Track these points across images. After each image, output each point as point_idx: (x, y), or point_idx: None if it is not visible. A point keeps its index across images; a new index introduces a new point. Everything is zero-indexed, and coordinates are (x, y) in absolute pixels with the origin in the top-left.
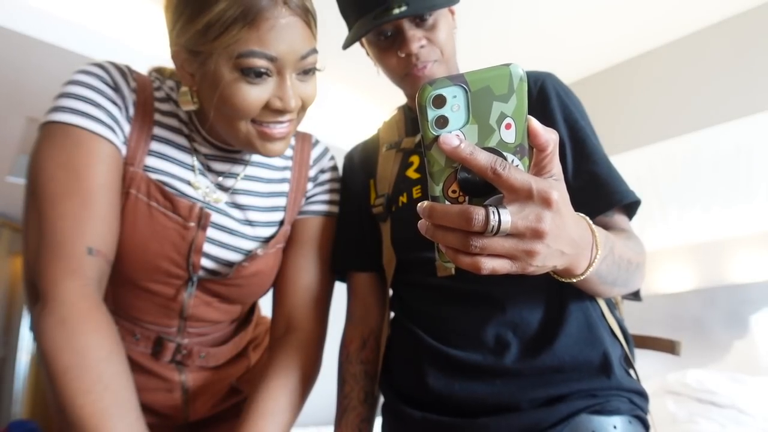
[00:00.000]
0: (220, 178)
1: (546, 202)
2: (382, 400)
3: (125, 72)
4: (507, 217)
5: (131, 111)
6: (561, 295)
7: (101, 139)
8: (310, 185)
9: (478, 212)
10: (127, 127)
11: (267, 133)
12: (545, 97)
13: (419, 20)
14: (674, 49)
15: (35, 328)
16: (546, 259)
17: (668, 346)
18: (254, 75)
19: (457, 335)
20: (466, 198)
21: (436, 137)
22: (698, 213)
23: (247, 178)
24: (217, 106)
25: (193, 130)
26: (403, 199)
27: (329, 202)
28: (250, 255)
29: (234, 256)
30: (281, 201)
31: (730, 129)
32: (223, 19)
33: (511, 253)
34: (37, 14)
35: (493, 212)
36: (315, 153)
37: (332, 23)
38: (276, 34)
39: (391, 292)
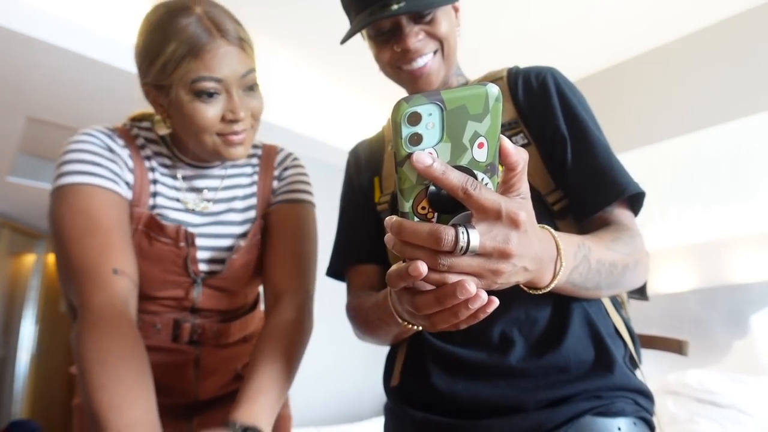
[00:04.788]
0: (204, 191)
1: (514, 222)
2: (384, 401)
3: (110, 134)
4: (476, 237)
5: (130, 164)
6: (561, 294)
7: (108, 191)
8: (275, 183)
9: (448, 232)
10: (130, 177)
11: (229, 140)
12: (546, 92)
13: (417, 16)
14: (674, 49)
15: (74, 336)
16: (510, 276)
17: (675, 346)
18: (206, 96)
19: (461, 333)
20: (435, 214)
21: (409, 154)
22: (698, 213)
23: (226, 188)
24: (183, 126)
25: (173, 156)
26: None
27: (295, 191)
28: (235, 249)
29: (224, 254)
30: (253, 200)
31: (730, 129)
32: (175, 57)
33: (477, 272)
34: (37, 14)
35: (462, 233)
36: (279, 158)
37: (336, 21)
38: (218, 61)
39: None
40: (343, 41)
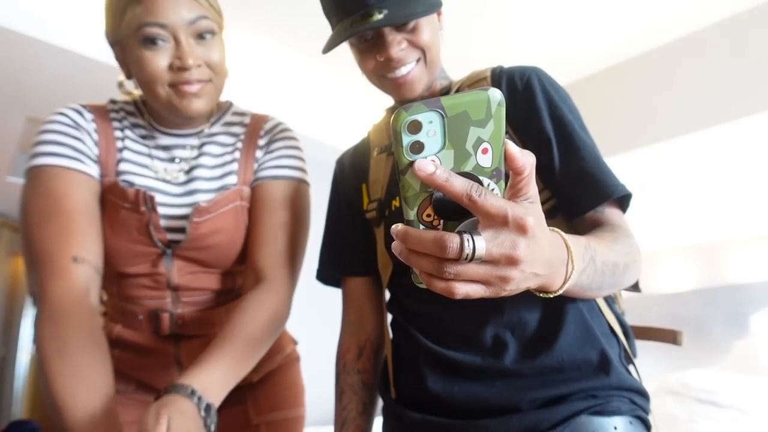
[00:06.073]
0: (177, 159)
1: (521, 228)
2: (381, 402)
3: (80, 110)
4: (482, 244)
5: (95, 137)
6: (559, 295)
7: (73, 171)
8: (260, 153)
9: (453, 240)
10: (95, 150)
11: (181, 91)
12: (531, 93)
13: (399, 24)
14: (674, 49)
15: (34, 325)
16: (520, 282)
17: (670, 337)
18: (151, 42)
19: (455, 337)
20: (441, 221)
21: (411, 163)
22: (698, 213)
23: (202, 155)
24: (138, 79)
25: (149, 126)
26: (396, 203)
27: (284, 167)
28: (195, 210)
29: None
30: (233, 166)
31: (729, 129)
32: (121, 5)
33: (484, 279)
34: (37, 14)
35: (468, 240)
36: (267, 126)
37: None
38: (162, 5)
39: (388, 295)
40: (325, 51)
